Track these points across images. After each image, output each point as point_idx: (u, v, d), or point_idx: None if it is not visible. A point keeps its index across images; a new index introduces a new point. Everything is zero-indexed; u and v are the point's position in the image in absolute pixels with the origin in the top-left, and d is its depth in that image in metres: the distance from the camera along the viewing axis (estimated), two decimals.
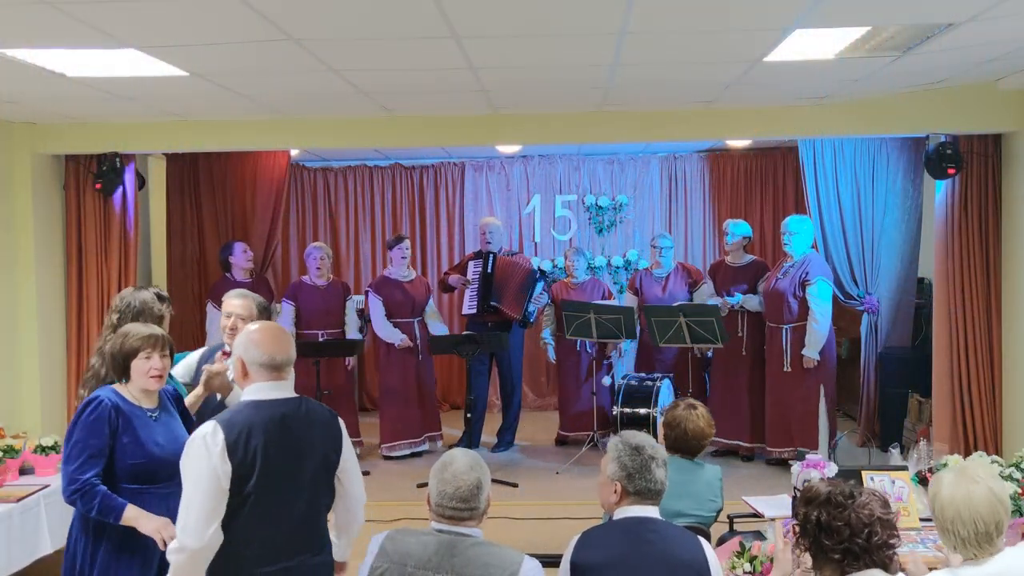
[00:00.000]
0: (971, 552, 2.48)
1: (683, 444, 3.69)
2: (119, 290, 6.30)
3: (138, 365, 3.18)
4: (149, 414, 3.19)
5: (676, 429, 3.68)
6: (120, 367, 3.20)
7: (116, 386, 3.20)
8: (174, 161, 7.26)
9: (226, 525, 2.61)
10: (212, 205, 7.29)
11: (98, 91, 4.93)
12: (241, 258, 6.75)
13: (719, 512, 3.77)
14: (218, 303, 6.61)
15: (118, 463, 3.09)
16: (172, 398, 3.39)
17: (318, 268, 6.86)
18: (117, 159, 6.17)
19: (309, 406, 2.81)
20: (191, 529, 2.56)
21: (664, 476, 2.85)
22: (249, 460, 2.60)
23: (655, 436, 3.27)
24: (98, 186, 6.14)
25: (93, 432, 3.06)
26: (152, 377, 3.19)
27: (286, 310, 6.77)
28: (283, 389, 2.76)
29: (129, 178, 6.41)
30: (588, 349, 7.15)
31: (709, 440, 3.80)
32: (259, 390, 2.72)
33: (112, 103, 5.32)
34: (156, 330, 3.30)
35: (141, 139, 6.16)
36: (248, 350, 2.73)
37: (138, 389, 3.20)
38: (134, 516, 3.03)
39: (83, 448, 3.05)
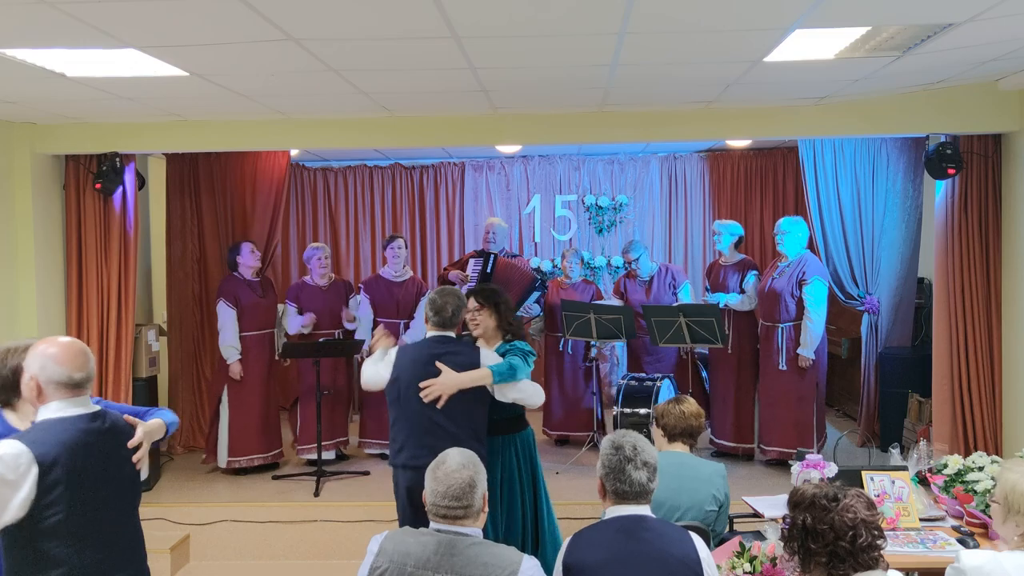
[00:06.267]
0: None
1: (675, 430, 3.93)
2: (119, 290, 6.33)
3: None
4: None
5: (665, 418, 3.96)
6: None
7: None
8: (174, 161, 7.26)
9: (38, 548, 2.55)
10: (212, 205, 7.29)
11: (98, 91, 4.93)
12: (249, 258, 6.69)
13: (723, 507, 3.79)
14: (230, 301, 6.63)
15: None
16: None
17: (323, 268, 6.86)
18: (117, 159, 6.17)
19: (111, 419, 2.77)
20: None
21: (645, 478, 2.80)
22: (60, 481, 2.55)
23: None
24: (98, 186, 6.14)
25: None
26: None
27: (289, 311, 6.77)
28: (84, 404, 2.70)
29: (129, 178, 6.41)
30: (570, 350, 7.14)
31: (695, 425, 3.95)
32: (59, 408, 2.65)
33: (112, 103, 5.32)
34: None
35: (141, 139, 6.15)
36: (45, 368, 2.63)
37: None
38: None
39: None
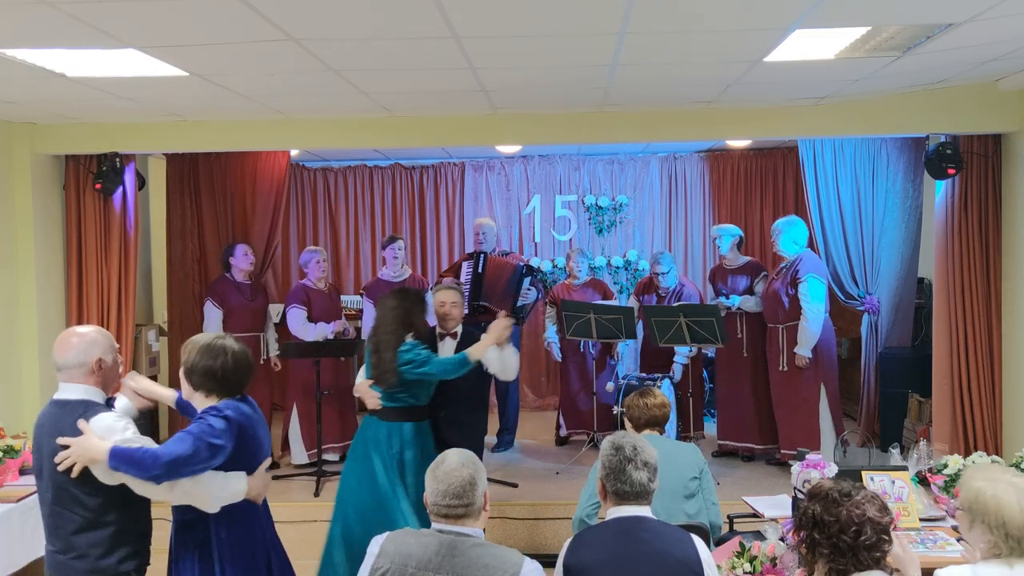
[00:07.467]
0: (1009, 549, 2.54)
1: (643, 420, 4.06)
2: (119, 290, 6.33)
3: None
4: None
5: (631, 410, 4.09)
6: None
7: None
8: (174, 161, 7.25)
9: None
10: (212, 205, 7.28)
11: (98, 91, 4.93)
12: (242, 260, 6.69)
13: (703, 473, 3.90)
14: (217, 301, 6.63)
15: None
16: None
17: (322, 271, 6.85)
18: (117, 159, 6.17)
19: (66, 411, 2.95)
20: None
21: (645, 478, 2.82)
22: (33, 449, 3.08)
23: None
24: (98, 186, 6.14)
25: None
26: None
27: (296, 314, 6.66)
28: (64, 390, 3.01)
29: (129, 178, 6.40)
30: (591, 349, 7.15)
31: (659, 415, 4.05)
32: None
33: (112, 103, 5.32)
34: None
35: (141, 139, 6.15)
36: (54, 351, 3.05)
37: None
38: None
39: None
